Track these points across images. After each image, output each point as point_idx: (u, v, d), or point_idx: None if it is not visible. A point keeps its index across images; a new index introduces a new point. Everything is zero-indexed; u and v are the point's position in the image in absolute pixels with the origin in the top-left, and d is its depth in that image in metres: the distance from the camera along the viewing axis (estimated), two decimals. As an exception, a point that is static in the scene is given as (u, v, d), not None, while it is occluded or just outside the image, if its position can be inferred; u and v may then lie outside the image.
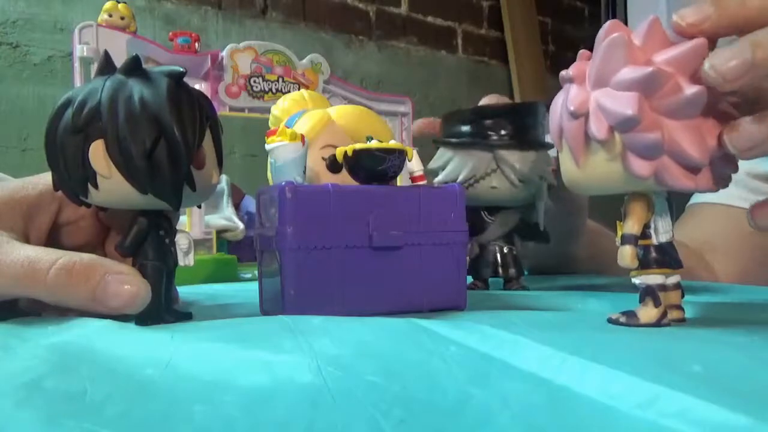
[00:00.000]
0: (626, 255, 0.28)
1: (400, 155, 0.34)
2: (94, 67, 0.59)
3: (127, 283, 0.28)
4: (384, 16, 2.00)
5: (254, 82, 0.68)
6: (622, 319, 0.29)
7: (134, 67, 0.29)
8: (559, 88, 0.30)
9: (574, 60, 0.29)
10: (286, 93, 0.65)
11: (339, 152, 0.35)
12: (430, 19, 2.10)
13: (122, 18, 0.63)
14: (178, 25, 1.59)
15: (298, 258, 0.31)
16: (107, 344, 0.24)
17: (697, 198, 0.77)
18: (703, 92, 0.25)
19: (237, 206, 0.78)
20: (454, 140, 0.50)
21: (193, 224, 0.65)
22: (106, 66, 0.30)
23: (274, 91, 0.69)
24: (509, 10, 2.22)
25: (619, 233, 0.29)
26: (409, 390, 0.19)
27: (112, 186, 0.29)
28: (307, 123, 0.40)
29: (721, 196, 0.71)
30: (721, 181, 0.28)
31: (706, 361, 0.20)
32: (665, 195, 0.30)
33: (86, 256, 0.29)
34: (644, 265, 0.29)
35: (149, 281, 0.29)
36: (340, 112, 0.41)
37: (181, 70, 0.29)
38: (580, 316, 0.33)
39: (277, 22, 1.78)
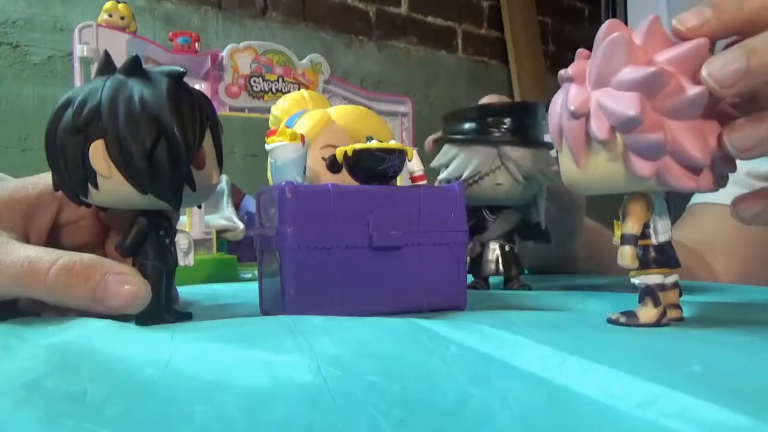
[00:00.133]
0: (626, 255, 0.28)
1: (400, 155, 0.35)
2: (94, 67, 0.59)
3: (127, 283, 0.28)
4: (384, 16, 2.00)
5: (254, 82, 0.68)
6: (622, 319, 0.29)
7: (134, 67, 0.29)
8: (558, 88, 0.30)
9: (574, 60, 0.29)
10: (286, 93, 0.65)
11: (339, 152, 0.35)
12: (430, 19, 2.10)
13: (122, 18, 0.63)
14: (178, 25, 1.59)
15: (298, 258, 0.31)
16: (107, 344, 0.24)
17: (697, 198, 0.77)
18: (705, 93, 0.25)
19: (237, 206, 0.78)
20: (458, 137, 0.50)
21: (193, 224, 0.65)
22: (106, 66, 0.30)
23: (274, 91, 0.69)
24: (509, 10, 2.22)
25: (617, 233, 0.29)
26: (409, 390, 0.19)
27: (112, 186, 0.29)
28: (307, 123, 0.40)
29: (721, 197, 0.70)
30: (721, 181, 0.28)
31: (706, 361, 0.20)
32: (664, 195, 0.30)
33: (86, 256, 0.29)
34: (643, 265, 0.29)
35: (149, 281, 0.29)
36: (340, 112, 0.41)
37: (181, 70, 0.29)
38: (580, 316, 0.33)
39: (277, 22, 1.78)
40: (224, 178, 0.74)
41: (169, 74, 0.29)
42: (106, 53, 0.30)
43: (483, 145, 0.48)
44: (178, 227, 0.32)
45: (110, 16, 0.63)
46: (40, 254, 0.29)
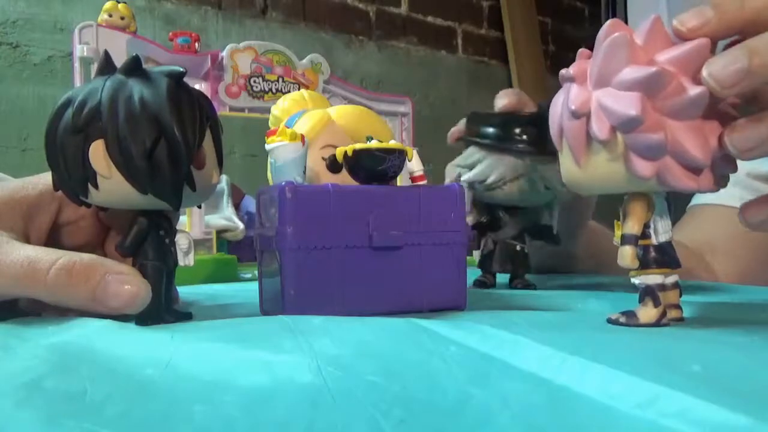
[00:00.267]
0: (626, 255, 0.28)
1: (400, 155, 0.35)
2: (94, 67, 0.59)
3: (127, 283, 0.28)
4: (384, 16, 2.00)
5: (254, 82, 0.68)
6: (622, 319, 0.29)
7: (134, 67, 0.29)
8: (559, 87, 0.30)
9: (574, 60, 0.29)
10: (286, 93, 0.65)
11: (339, 152, 0.35)
12: (430, 19, 2.10)
13: (122, 18, 0.63)
14: (178, 25, 1.59)
15: (298, 258, 0.31)
16: (107, 344, 0.24)
17: (697, 199, 0.77)
18: (706, 93, 0.25)
19: (237, 206, 0.78)
20: (486, 141, 0.50)
21: (193, 224, 0.65)
22: (106, 66, 0.30)
23: (274, 91, 0.69)
24: (509, 10, 2.22)
25: (618, 233, 0.29)
26: (409, 390, 0.19)
27: (112, 186, 0.29)
28: (307, 123, 0.40)
29: (722, 197, 0.71)
30: (722, 181, 0.28)
31: (706, 361, 0.20)
32: (664, 195, 0.30)
33: (86, 256, 0.29)
34: (644, 265, 0.29)
35: (149, 281, 0.29)
36: (340, 112, 0.41)
37: (181, 70, 0.29)
38: (580, 316, 0.33)
39: (277, 22, 1.78)
40: (224, 178, 0.74)
41: (169, 74, 0.29)
42: (106, 53, 0.30)
43: (509, 154, 0.49)
44: (178, 227, 0.32)
45: (110, 16, 0.63)
46: (40, 254, 0.29)
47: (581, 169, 0.28)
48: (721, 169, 0.28)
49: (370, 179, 0.35)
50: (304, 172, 0.35)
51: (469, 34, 2.19)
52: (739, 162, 0.28)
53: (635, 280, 0.29)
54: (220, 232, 0.68)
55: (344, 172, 0.36)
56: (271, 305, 0.34)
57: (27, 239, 0.32)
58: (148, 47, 0.64)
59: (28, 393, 0.18)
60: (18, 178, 0.35)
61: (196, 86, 0.36)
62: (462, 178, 0.51)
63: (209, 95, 0.62)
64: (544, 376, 0.19)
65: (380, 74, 1.94)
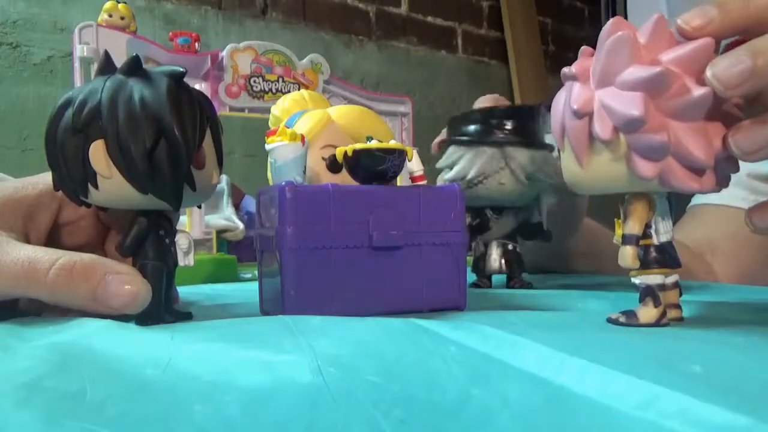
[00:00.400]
0: (627, 255, 0.28)
1: (400, 155, 0.34)
2: (94, 67, 0.59)
3: (127, 283, 0.28)
4: (384, 16, 2.00)
5: (254, 82, 0.68)
6: (622, 319, 0.29)
7: (134, 67, 0.29)
8: (559, 88, 0.30)
9: (574, 60, 0.29)
10: (286, 93, 0.65)
11: (339, 152, 0.35)
12: (430, 19, 2.10)
13: (122, 18, 0.63)
14: (178, 25, 1.59)
15: (298, 258, 0.31)
16: (107, 344, 0.24)
17: (697, 199, 0.77)
18: (710, 94, 0.25)
19: (237, 206, 0.78)
20: (463, 138, 0.51)
21: (193, 224, 0.65)
22: (106, 66, 0.30)
23: (274, 91, 0.69)
24: (509, 10, 2.22)
25: (618, 231, 0.29)
26: (409, 390, 0.19)
27: (112, 186, 0.29)
28: (307, 123, 0.40)
29: (722, 198, 0.71)
30: (723, 182, 0.28)
31: (706, 361, 0.20)
32: (666, 195, 0.29)
33: (86, 256, 0.29)
34: (644, 265, 0.29)
35: (149, 281, 0.29)
36: (340, 112, 0.41)
37: (182, 70, 0.29)
38: (579, 316, 0.33)
39: (277, 22, 1.78)
40: (224, 178, 0.74)
41: (169, 74, 0.29)
42: (106, 53, 0.30)
43: (487, 147, 0.49)
44: (178, 227, 0.32)
45: (110, 16, 0.63)
46: (40, 254, 0.29)
47: (583, 169, 0.28)
48: (724, 170, 0.27)
49: (370, 179, 0.35)
50: (304, 172, 0.35)
51: (469, 34, 2.19)
52: (740, 162, 0.28)
53: (636, 280, 0.29)
54: (220, 232, 0.68)
55: (344, 172, 0.36)
56: (271, 305, 0.34)
57: (27, 239, 0.32)
58: (148, 47, 0.64)
59: (28, 393, 0.18)
60: (18, 178, 0.35)
61: (196, 86, 0.36)
62: (444, 177, 0.51)
63: (209, 95, 0.62)
64: (544, 376, 0.19)
65: (380, 74, 1.94)
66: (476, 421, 0.17)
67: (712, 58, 0.26)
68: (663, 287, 0.29)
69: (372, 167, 0.34)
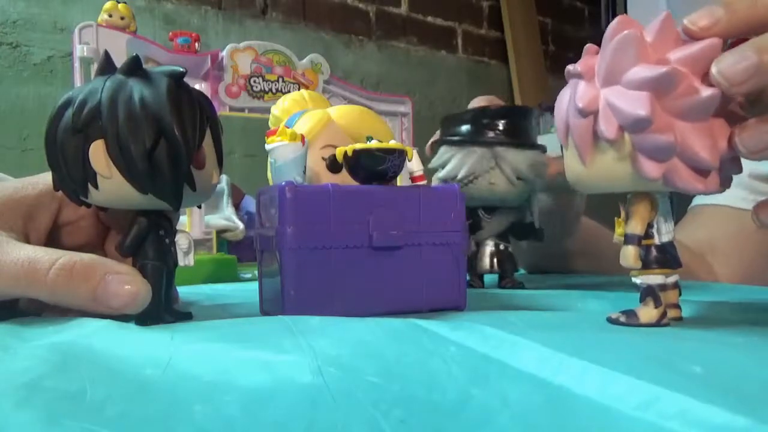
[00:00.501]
0: (629, 255, 0.28)
1: (400, 155, 0.35)
2: (94, 67, 0.59)
3: (127, 283, 0.28)
4: (384, 16, 2.00)
5: (254, 82, 0.68)
6: (622, 319, 0.29)
7: (134, 67, 0.29)
8: (559, 88, 0.30)
9: (574, 60, 0.29)
10: (286, 93, 0.65)
11: (339, 152, 0.35)
12: (430, 19, 2.10)
13: (122, 18, 0.63)
14: (178, 25, 1.59)
15: (298, 258, 0.31)
16: (107, 344, 0.24)
17: (698, 199, 0.77)
18: (718, 94, 0.25)
19: (237, 206, 0.78)
20: (454, 138, 0.51)
21: (193, 224, 0.65)
22: (106, 66, 0.30)
23: (274, 91, 0.69)
24: (509, 10, 2.22)
25: (618, 230, 0.29)
26: (409, 390, 0.19)
27: (112, 186, 0.29)
28: (307, 123, 0.40)
29: (723, 198, 0.71)
30: (726, 183, 0.27)
31: (706, 361, 0.20)
32: (668, 195, 0.29)
33: (86, 256, 0.29)
34: (645, 265, 0.29)
35: (149, 281, 0.29)
36: (340, 112, 0.41)
37: (182, 70, 0.29)
38: (579, 316, 0.33)
39: (277, 22, 1.78)
40: (224, 178, 0.74)
41: (169, 74, 0.29)
42: (106, 53, 0.30)
43: (478, 147, 0.50)
44: (178, 227, 0.32)
45: (110, 16, 0.63)
46: (40, 254, 0.29)
47: (586, 168, 0.28)
48: (728, 171, 0.27)
49: (370, 179, 0.35)
50: (304, 172, 0.35)
51: (469, 34, 2.19)
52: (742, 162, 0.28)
53: (636, 280, 0.29)
54: (220, 232, 0.68)
55: (344, 172, 0.36)
56: (271, 305, 0.34)
57: (27, 239, 0.32)
58: (148, 47, 0.64)
59: (28, 393, 0.18)
60: (18, 178, 0.35)
61: (196, 86, 0.36)
62: (435, 177, 0.52)
63: (209, 95, 0.62)
64: (544, 376, 0.19)
65: (380, 74, 1.95)
66: (476, 421, 0.17)
67: None
68: (664, 287, 0.29)
69: (372, 167, 0.34)
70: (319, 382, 0.19)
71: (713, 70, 0.25)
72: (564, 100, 0.29)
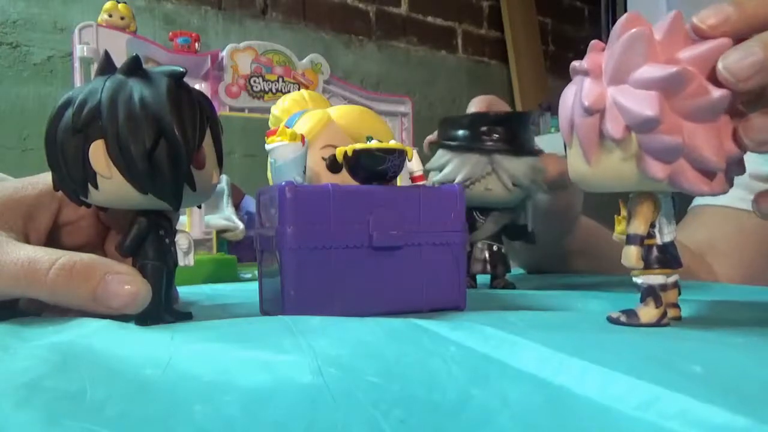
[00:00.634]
0: (631, 255, 0.28)
1: (400, 155, 0.35)
2: (94, 67, 0.59)
3: (127, 283, 0.28)
4: (384, 16, 2.00)
5: (254, 82, 0.68)
6: (623, 318, 0.29)
7: (134, 67, 0.29)
8: (559, 88, 0.29)
9: (574, 60, 0.28)
10: (286, 93, 0.65)
11: (339, 152, 0.35)
12: (430, 19, 2.10)
13: (122, 18, 0.63)
14: (178, 25, 1.60)
15: (298, 258, 0.31)
16: (107, 344, 0.24)
17: (699, 200, 0.77)
18: (728, 95, 0.24)
19: (237, 206, 0.78)
20: (453, 143, 0.51)
21: (193, 224, 0.65)
22: (106, 66, 0.30)
23: (274, 91, 0.69)
24: (509, 10, 2.22)
25: (618, 228, 0.29)
26: (409, 390, 0.19)
27: (112, 186, 0.29)
28: (307, 123, 0.40)
29: (723, 198, 0.71)
30: (730, 184, 0.27)
31: (706, 361, 0.20)
32: (670, 195, 0.29)
33: (86, 256, 0.29)
34: (647, 265, 0.29)
35: (149, 281, 0.29)
36: (340, 112, 0.41)
37: (182, 70, 0.29)
38: (579, 316, 0.33)
39: (277, 22, 1.78)
40: (224, 178, 0.74)
41: (169, 74, 0.29)
42: (106, 53, 0.30)
43: (475, 153, 0.50)
44: (178, 227, 0.32)
45: (110, 16, 0.63)
46: (40, 254, 0.29)
47: (591, 167, 0.27)
48: (733, 172, 0.27)
49: (370, 179, 0.35)
50: (304, 172, 0.35)
51: (469, 34, 2.19)
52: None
53: (637, 280, 0.29)
54: (220, 232, 0.68)
55: (344, 172, 0.36)
56: (271, 305, 0.34)
57: (27, 239, 0.32)
58: (148, 47, 0.64)
59: (28, 393, 0.18)
60: (18, 178, 0.36)
61: (196, 86, 0.36)
62: (432, 180, 0.52)
63: (209, 95, 0.62)
64: (544, 376, 0.19)
65: (380, 74, 1.95)
66: (476, 421, 0.17)
67: None
68: (664, 287, 0.29)
69: (372, 167, 0.34)
70: (319, 382, 0.19)
71: (719, 65, 0.25)
72: (569, 97, 0.28)
